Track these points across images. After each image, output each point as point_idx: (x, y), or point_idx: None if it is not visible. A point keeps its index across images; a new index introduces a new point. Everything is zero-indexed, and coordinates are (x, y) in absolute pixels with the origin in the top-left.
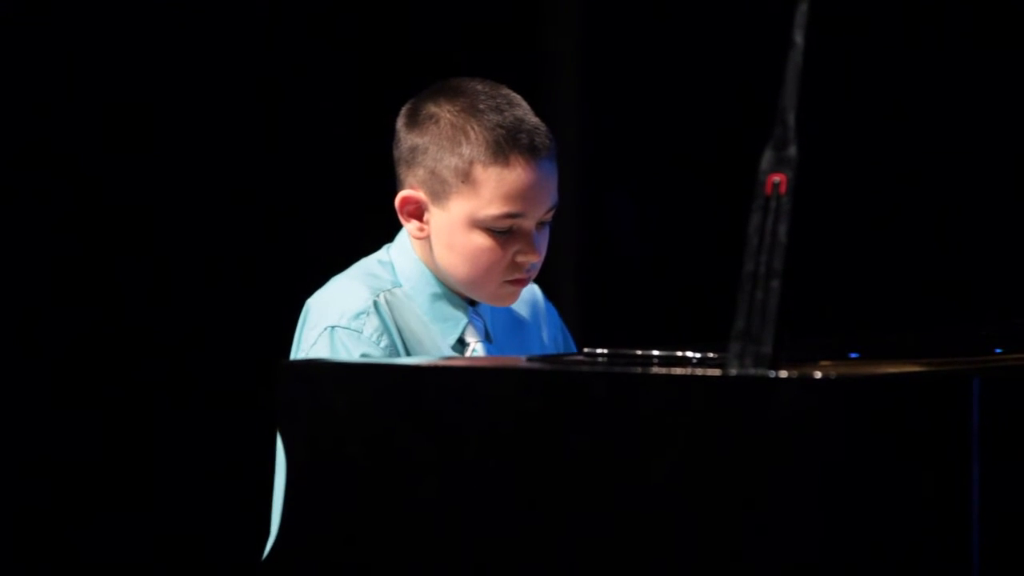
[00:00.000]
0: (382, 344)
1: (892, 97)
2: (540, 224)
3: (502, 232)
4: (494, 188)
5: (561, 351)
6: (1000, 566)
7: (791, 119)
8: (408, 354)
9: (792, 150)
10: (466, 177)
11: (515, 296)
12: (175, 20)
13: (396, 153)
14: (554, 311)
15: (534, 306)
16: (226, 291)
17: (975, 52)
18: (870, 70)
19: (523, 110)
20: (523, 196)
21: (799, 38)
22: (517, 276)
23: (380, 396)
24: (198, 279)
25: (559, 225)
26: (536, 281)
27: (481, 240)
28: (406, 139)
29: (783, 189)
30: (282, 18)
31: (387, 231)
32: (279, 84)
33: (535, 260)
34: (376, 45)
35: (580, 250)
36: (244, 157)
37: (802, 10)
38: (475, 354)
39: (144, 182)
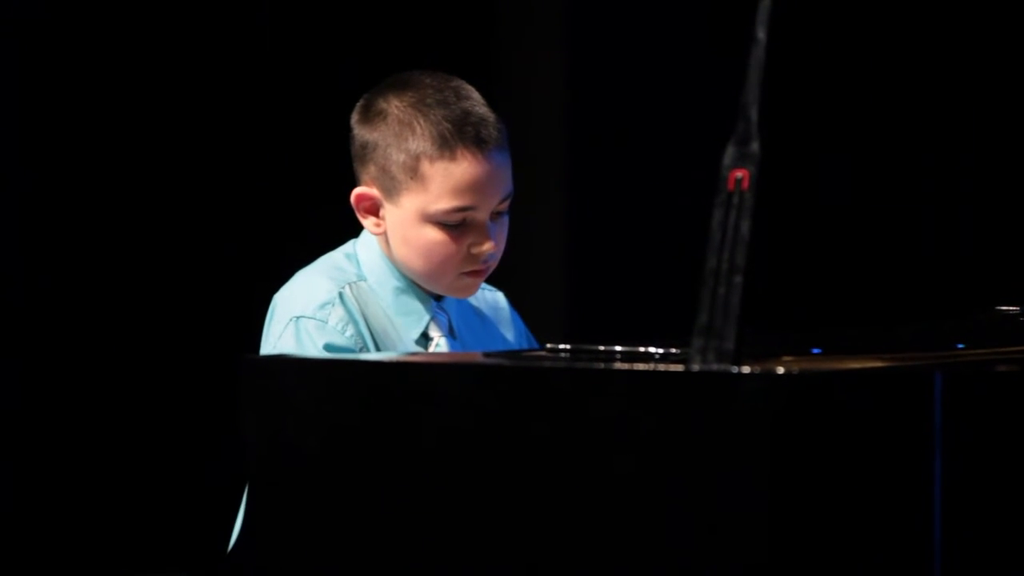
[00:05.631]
0: (347, 334)
1: (856, 92)
2: (496, 215)
3: (454, 225)
4: (442, 182)
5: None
6: (962, 561)
7: (753, 114)
8: (376, 346)
9: (754, 146)
10: (414, 173)
11: (475, 287)
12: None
13: (352, 150)
14: (518, 318)
15: (497, 311)
16: (195, 287)
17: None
18: (830, 65)
19: (471, 102)
20: (472, 189)
21: (761, 34)
22: (474, 268)
23: (341, 392)
24: (168, 274)
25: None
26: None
27: (434, 234)
28: (359, 136)
29: (745, 185)
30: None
31: (356, 226)
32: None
33: (490, 251)
34: (361, 35)
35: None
36: (217, 150)
37: (764, 6)
38: (438, 349)
39: (126, 179)
